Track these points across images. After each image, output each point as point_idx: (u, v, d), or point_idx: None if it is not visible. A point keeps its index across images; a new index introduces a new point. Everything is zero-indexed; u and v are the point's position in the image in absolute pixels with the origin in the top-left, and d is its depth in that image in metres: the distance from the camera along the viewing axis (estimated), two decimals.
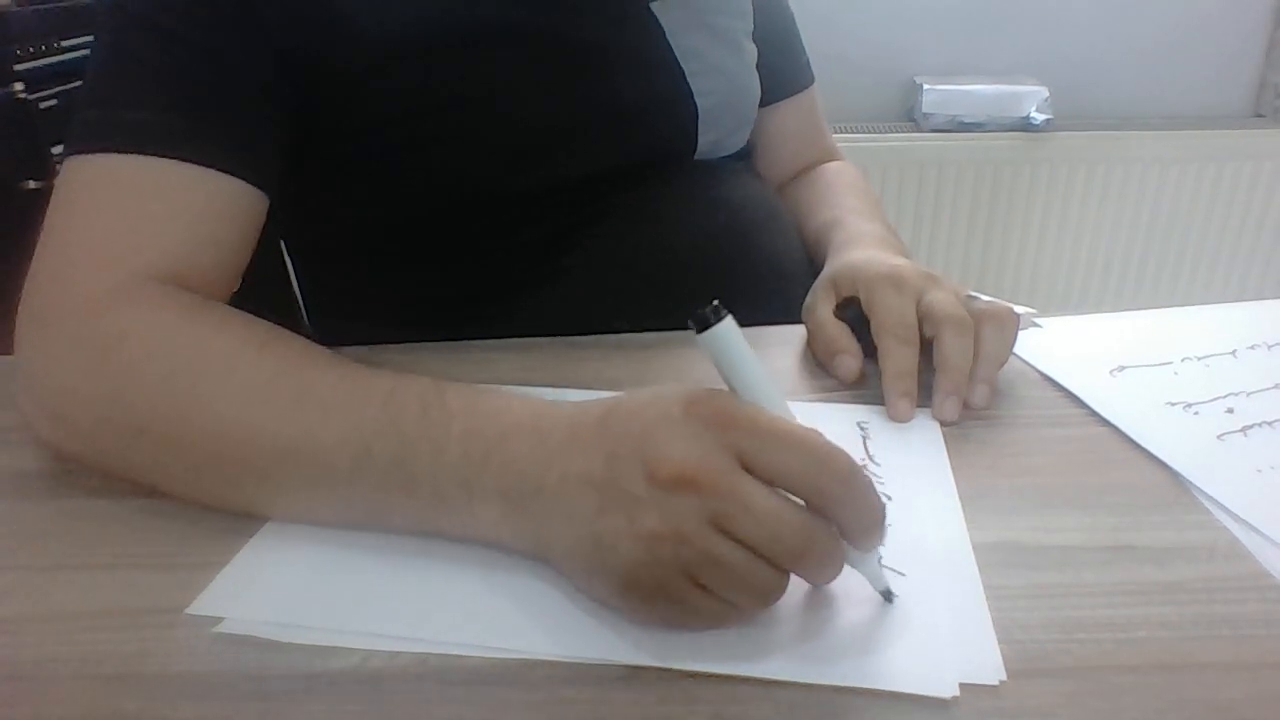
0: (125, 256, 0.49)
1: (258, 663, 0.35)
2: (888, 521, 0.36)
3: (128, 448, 0.45)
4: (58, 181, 0.52)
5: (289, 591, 0.39)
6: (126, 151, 0.51)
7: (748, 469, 0.34)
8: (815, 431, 0.35)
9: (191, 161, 0.51)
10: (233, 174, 0.53)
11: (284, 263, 0.76)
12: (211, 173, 0.52)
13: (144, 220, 0.51)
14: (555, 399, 0.41)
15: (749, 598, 0.35)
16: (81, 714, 0.33)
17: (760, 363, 0.36)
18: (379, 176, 0.63)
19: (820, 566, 0.35)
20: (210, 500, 0.44)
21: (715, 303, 0.35)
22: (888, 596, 0.38)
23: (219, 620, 0.37)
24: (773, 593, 0.35)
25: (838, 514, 0.35)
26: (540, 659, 0.35)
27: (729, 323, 0.35)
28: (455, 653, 0.35)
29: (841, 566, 0.36)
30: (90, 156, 0.51)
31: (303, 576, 0.39)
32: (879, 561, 0.38)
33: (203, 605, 0.38)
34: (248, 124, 0.55)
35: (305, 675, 0.35)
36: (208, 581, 0.39)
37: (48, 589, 0.39)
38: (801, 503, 0.35)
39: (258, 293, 0.59)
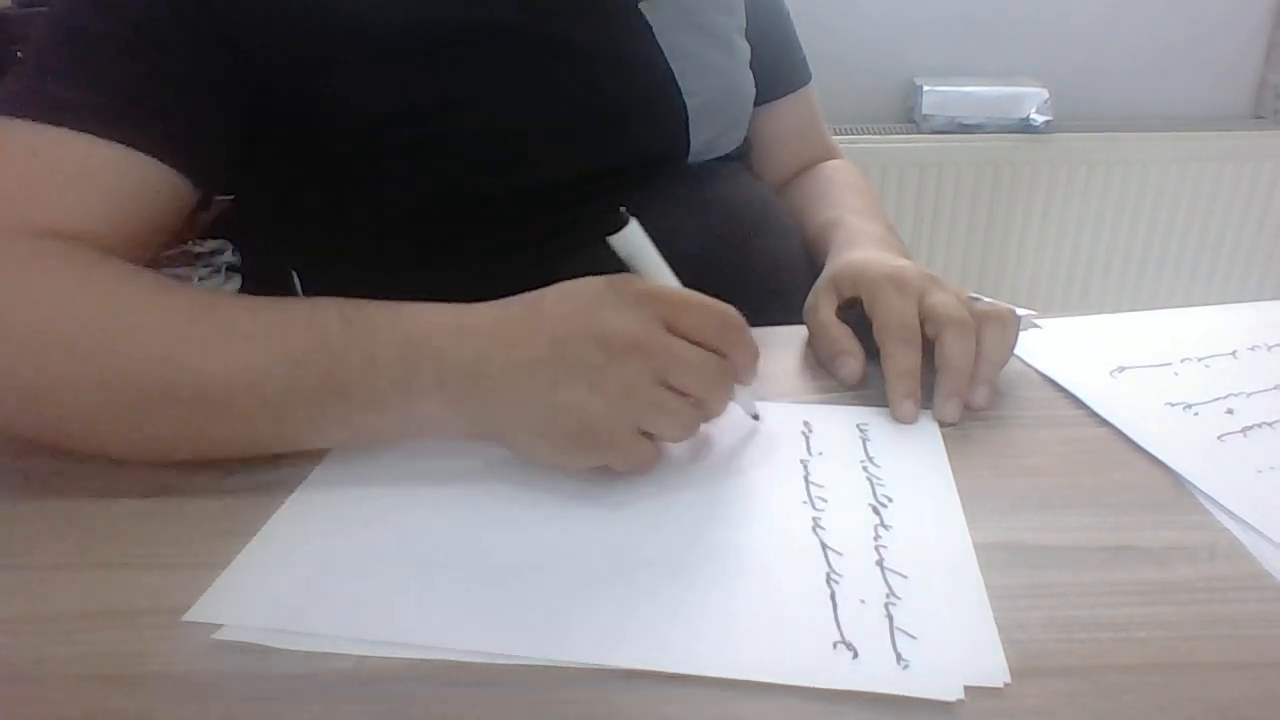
0: (25, 215, 0.49)
1: (257, 663, 0.35)
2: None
3: (39, 406, 0.45)
4: None
5: (286, 597, 0.38)
6: (49, 123, 0.50)
7: (670, 331, 0.43)
8: (707, 297, 0.45)
9: (114, 140, 0.51)
10: (155, 157, 0.53)
11: (284, 264, 0.76)
12: (132, 153, 0.52)
13: (51, 186, 0.50)
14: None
15: (679, 432, 0.44)
16: (81, 714, 0.33)
17: (657, 251, 0.46)
18: (362, 180, 0.62)
19: (723, 397, 0.45)
20: (134, 443, 0.45)
21: (622, 209, 0.45)
22: (755, 416, 0.50)
23: (217, 626, 0.37)
24: (695, 425, 0.44)
25: (735, 354, 0.45)
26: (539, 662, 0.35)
27: (634, 224, 0.45)
28: (454, 657, 0.35)
29: (731, 396, 0.46)
30: (13, 120, 0.51)
31: (300, 582, 0.39)
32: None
33: (200, 612, 0.37)
34: (183, 113, 0.54)
35: (304, 675, 0.35)
36: (207, 582, 0.39)
37: (48, 589, 0.39)
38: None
39: (259, 294, 0.58)
